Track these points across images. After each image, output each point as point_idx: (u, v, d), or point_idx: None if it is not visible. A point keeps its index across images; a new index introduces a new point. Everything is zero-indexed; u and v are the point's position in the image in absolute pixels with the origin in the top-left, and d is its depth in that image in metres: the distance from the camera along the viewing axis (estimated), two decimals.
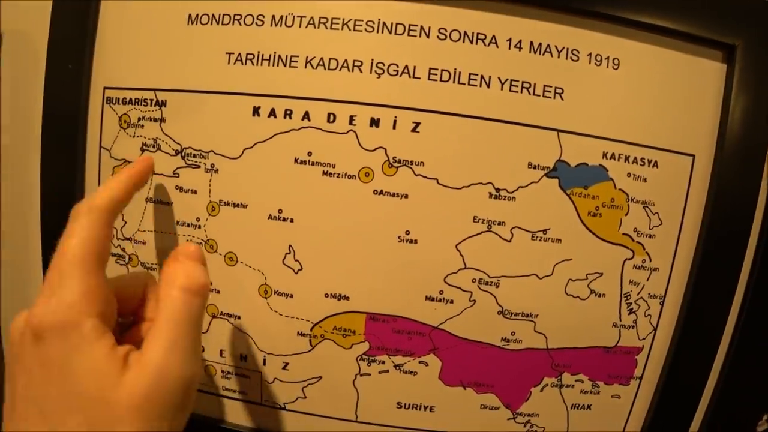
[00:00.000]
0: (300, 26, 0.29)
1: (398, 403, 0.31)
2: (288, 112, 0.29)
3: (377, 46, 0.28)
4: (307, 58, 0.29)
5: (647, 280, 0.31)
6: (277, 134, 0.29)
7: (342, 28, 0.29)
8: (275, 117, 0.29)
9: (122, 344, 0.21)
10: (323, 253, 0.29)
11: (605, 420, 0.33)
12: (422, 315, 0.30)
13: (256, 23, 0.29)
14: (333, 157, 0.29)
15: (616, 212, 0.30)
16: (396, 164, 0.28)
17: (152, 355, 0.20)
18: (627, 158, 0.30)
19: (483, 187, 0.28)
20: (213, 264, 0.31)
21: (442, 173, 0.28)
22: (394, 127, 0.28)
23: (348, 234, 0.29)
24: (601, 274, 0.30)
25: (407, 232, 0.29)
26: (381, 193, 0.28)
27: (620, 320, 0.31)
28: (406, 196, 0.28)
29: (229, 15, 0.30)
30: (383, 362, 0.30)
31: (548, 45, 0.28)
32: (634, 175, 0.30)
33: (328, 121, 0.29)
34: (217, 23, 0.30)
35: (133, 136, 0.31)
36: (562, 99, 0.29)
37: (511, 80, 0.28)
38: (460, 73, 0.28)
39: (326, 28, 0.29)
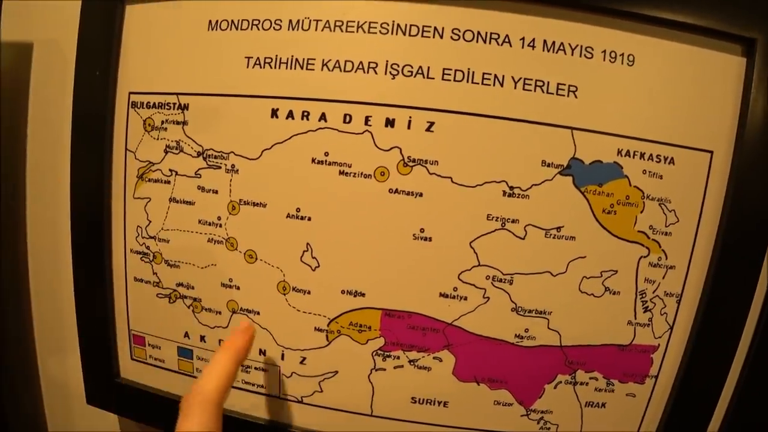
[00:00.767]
0: (316, 29, 0.30)
1: (413, 398, 0.32)
2: (305, 113, 0.30)
3: (391, 48, 0.29)
4: (323, 60, 0.30)
5: (663, 278, 0.31)
6: (294, 135, 0.30)
7: (357, 31, 0.29)
8: (293, 118, 0.30)
9: None
10: (340, 250, 0.30)
11: (620, 419, 0.33)
12: (437, 311, 0.30)
13: (274, 27, 0.30)
14: (349, 157, 0.29)
15: (631, 209, 0.30)
16: (411, 163, 0.29)
17: None
18: (642, 155, 0.29)
19: (497, 185, 0.29)
20: (233, 261, 0.32)
21: (456, 172, 0.29)
22: (408, 127, 0.29)
23: (364, 232, 0.30)
24: (616, 271, 0.30)
25: (422, 230, 0.29)
26: (396, 191, 0.29)
27: (635, 318, 0.31)
28: (421, 195, 0.29)
29: (247, 20, 0.31)
30: (398, 358, 0.31)
31: (561, 43, 0.28)
32: (649, 172, 0.30)
33: (344, 121, 0.29)
34: (237, 28, 0.31)
35: (157, 139, 0.32)
36: (576, 97, 0.29)
37: (525, 79, 0.28)
38: (473, 72, 0.28)
39: (342, 31, 0.29)
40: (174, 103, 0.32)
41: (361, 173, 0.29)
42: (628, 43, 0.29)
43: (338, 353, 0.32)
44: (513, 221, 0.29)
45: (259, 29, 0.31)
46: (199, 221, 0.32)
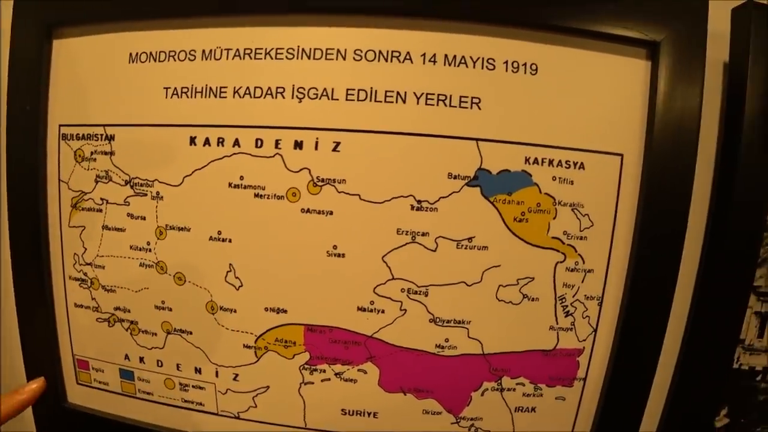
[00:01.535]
0: (227, 58, 0.31)
1: (343, 410, 0.32)
2: (220, 140, 0.31)
3: (297, 72, 0.30)
4: (234, 88, 0.30)
5: (582, 282, 0.31)
6: (212, 161, 0.31)
7: (265, 58, 0.30)
8: (209, 145, 0.31)
9: None
10: (260, 269, 0.31)
11: (552, 421, 0.33)
12: (356, 325, 0.31)
13: (189, 58, 0.31)
14: (262, 180, 0.30)
15: (544, 216, 0.30)
16: (320, 183, 0.30)
17: None
18: (551, 162, 0.30)
19: (404, 199, 0.29)
20: (164, 284, 0.33)
21: (364, 189, 0.29)
22: (316, 148, 0.29)
23: (281, 251, 0.31)
24: (533, 278, 0.30)
25: (335, 247, 0.30)
26: (308, 211, 0.30)
27: (557, 323, 0.31)
28: (331, 213, 0.30)
29: (164, 51, 0.32)
30: (324, 371, 0.32)
31: (463, 56, 0.29)
32: (559, 178, 0.30)
33: (256, 146, 0.30)
34: (155, 60, 0.32)
35: (88, 169, 0.33)
36: (479, 108, 0.29)
37: (427, 94, 0.29)
38: (376, 91, 0.29)
39: (250, 58, 0.30)
40: (101, 135, 0.33)
41: (275, 195, 0.30)
42: (531, 52, 0.29)
43: (268, 368, 0.32)
44: (423, 234, 0.30)
45: (175, 60, 0.32)
46: (131, 247, 0.33)
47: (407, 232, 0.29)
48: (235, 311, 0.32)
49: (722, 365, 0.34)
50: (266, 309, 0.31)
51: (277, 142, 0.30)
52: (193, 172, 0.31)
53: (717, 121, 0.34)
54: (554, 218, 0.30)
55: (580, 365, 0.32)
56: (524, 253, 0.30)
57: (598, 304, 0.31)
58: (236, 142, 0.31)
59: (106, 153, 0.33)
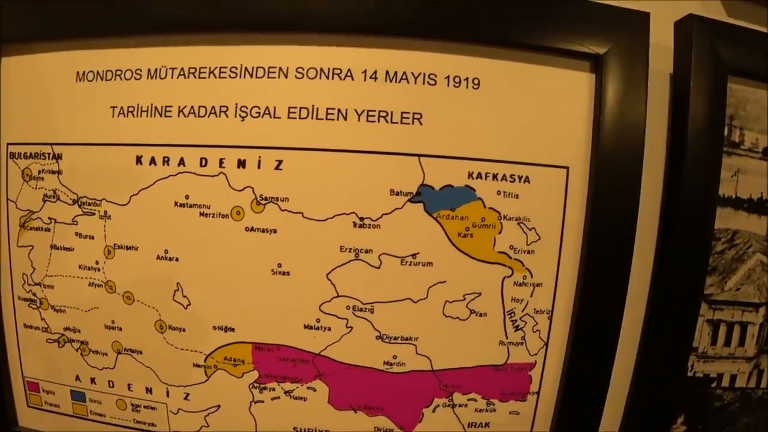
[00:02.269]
0: (172, 77, 0.31)
1: (294, 428, 0.32)
2: (166, 159, 0.31)
3: (239, 91, 0.30)
4: (179, 107, 0.30)
5: (531, 296, 0.31)
6: (158, 180, 0.31)
7: (209, 77, 0.30)
8: (155, 164, 0.31)
9: None
10: (207, 288, 0.31)
11: None
12: (303, 343, 0.30)
13: (135, 77, 0.31)
14: (207, 199, 0.30)
15: (489, 231, 0.30)
16: (263, 201, 0.30)
17: None
18: (495, 176, 0.30)
19: (347, 217, 0.29)
20: (114, 303, 0.32)
21: (306, 207, 0.29)
22: (259, 167, 0.29)
23: (226, 269, 0.30)
24: (480, 293, 0.30)
25: (279, 265, 0.30)
26: (252, 229, 0.30)
27: (507, 338, 0.31)
28: (275, 231, 0.30)
29: (111, 71, 0.32)
30: (273, 389, 0.31)
31: (404, 72, 0.29)
32: (504, 192, 0.30)
33: (201, 165, 0.30)
34: (102, 79, 0.32)
35: (35, 188, 0.33)
36: (421, 124, 0.29)
37: (368, 111, 0.29)
38: (317, 109, 0.29)
39: (195, 77, 0.30)
40: (49, 153, 0.33)
41: (219, 213, 0.30)
42: (472, 67, 0.29)
43: (218, 387, 0.32)
44: (366, 251, 0.29)
45: (121, 79, 0.32)
46: (80, 266, 0.33)
47: (350, 249, 0.29)
48: (183, 330, 0.32)
49: (676, 374, 0.33)
50: (214, 327, 0.31)
51: (221, 161, 0.30)
52: (139, 191, 0.31)
53: (665, 132, 0.34)
54: (500, 233, 0.30)
55: (533, 379, 0.32)
56: (470, 268, 0.30)
57: (548, 317, 0.31)
58: (181, 161, 0.30)
59: (53, 172, 0.33)
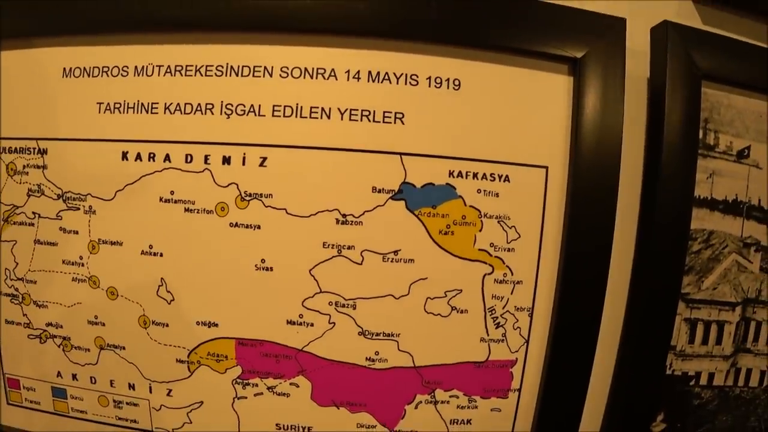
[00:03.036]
0: (159, 75, 0.31)
1: (277, 425, 0.32)
2: (152, 155, 0.31)
3: (225, 88, 0.30)
4: (165, 104, 0.31)
5: (511, 293, 0.31)
6: (143, 176, 0.31)
7: (195, 74, 0.31)
8: (141, 160, 0.31)
9: None
10: (191, 283, 0.31)
11: None
12: (286, 338, 0.31)
13: (122, 74, 0.32)
14: (192, 195, 0.30)
15: (469, 229, 0.30)
16: (247, 198, 0.30)
17: None
18: (475, 175, 0.30)
19: (329, 213, 0.29)
20: (97, 299, 0.33)
21: (290, 203, 0.29)
22: (243, 163, 0.30)
23: (210, 265, 0.31)
24: (461, 290, 0.31)
25: (263, 261, 0.30)
26: (236, 225, 0.30)
27: (488, 335, 0.31)
28: (259, 227, 0.30)
29: (98, 67, 0.32)
30: (256, 385, 0.32)
31: (387, 73, 0.30)
32: (484, 191, 0.30)
33: (186, 161, 0.30)
34: (89, 75, 0.32)
35: (20, 183, 0.33)
36: (402, 123, 0.30)
37: (351, 110, 0.29)
38: (302, 107, 0.30)
39: (181, 75, 0.31)
40: (34, 148, 0.33)
41: (204, 209, 0.30)
42: (453, 68, 0.30)
43: (201, 383, 0.32)
44: (349, 248, 0.30)
45: (108, 76, 0.32)
46: (63, 261, 0.33)
47: (333, 245, 0.30)
48: (167, 325, 0.32)
49: (655, 371, 0.34)
50: (198, 323, 0.31)
51: (206, 158, 0.30)
52: (125, 187, 0.31)
53: (643, 134, 0.35)
54: (480, 230, 0.31)
55: (514, 376, 0.32)
56: (451, 265, 0.30)
57: (528, 315, 0.32)
58: (167, 158, 0.31)
59: (38, 167, 0.33)
